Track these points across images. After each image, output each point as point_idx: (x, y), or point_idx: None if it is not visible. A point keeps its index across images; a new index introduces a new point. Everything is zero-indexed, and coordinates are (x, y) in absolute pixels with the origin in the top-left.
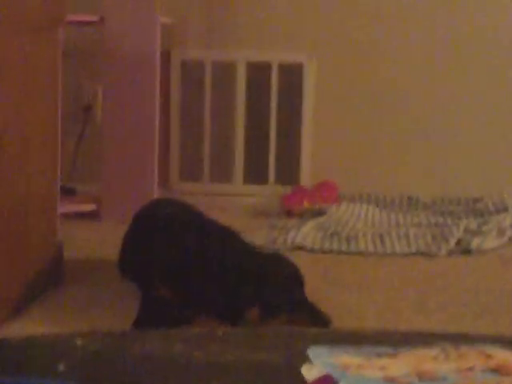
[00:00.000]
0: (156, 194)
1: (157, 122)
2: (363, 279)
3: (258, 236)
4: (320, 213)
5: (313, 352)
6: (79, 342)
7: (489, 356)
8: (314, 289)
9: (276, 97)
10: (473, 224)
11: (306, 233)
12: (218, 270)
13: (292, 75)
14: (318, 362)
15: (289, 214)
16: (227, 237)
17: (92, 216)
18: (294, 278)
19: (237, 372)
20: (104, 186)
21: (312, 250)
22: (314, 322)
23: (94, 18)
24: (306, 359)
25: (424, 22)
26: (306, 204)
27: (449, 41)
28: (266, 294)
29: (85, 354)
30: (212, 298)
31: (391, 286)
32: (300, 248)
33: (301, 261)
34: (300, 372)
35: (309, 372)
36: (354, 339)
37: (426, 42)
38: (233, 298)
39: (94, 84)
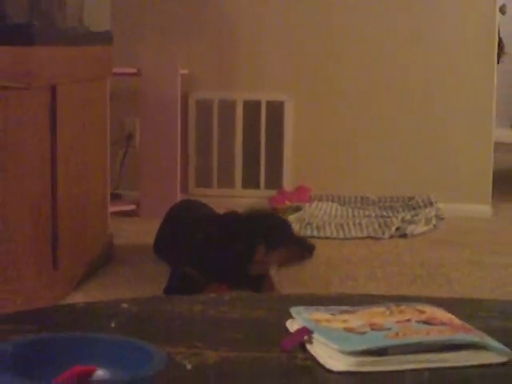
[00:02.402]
0: (179, 196)
1: (179, 145)
2: (329, 257)
3: None
4: (298, 209)
5: (294, 310)
6: (125, 305)
7: (421, 311)
8: (295, 264)
9: (265, 126)
10: (408, 215)
11: None
12: (230, 240)
13: (276, 110)
14: (298, 317)
15: (274, 210)
16: (233, 221)
17: (133, 214)
18: (286, 224)
19: (240, 325)
20: (141, 191)
21: None
22: (304, 250)
23: (133, 70)
24: (289, 316)
25: (372, 63)
26: (287, 203)
27: (393, 71)
28: (268, 235)
29: (129, 314)
30: (223, 269)
31: (349, 261)
32: None
33: None
34: (285, 325)
35: (291, 325)
36: (324, 301)
37: (369, 81)
38: (245, 253)
39: (133, 118)
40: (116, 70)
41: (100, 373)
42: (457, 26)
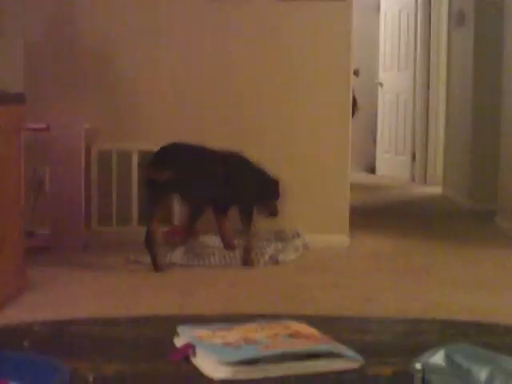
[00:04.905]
0: (83, 232)
1: (83, 189)
2: (215, 282)
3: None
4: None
5: (180, 329)
6: (36, 328)
7: (287, 327)
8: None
9: None
10: (279, 245)
11: None
12: None
13: None
14: (184, 335)
15: (168, 241)
16: None
17: (45, 247)
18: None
19: (134, 342)
20: (51, 229)
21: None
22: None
23: (43, 126)
24: (176, 334)
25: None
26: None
27: (266, 123)
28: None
29: (40, 335)
30: None
31: (233, 285)
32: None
33: None
34: (173, 341)
35: (178, 341)
36: (206, 319)
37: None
38: None
39: (44, 167)
40: (28, 125)
41: None
42: (318, 86)
